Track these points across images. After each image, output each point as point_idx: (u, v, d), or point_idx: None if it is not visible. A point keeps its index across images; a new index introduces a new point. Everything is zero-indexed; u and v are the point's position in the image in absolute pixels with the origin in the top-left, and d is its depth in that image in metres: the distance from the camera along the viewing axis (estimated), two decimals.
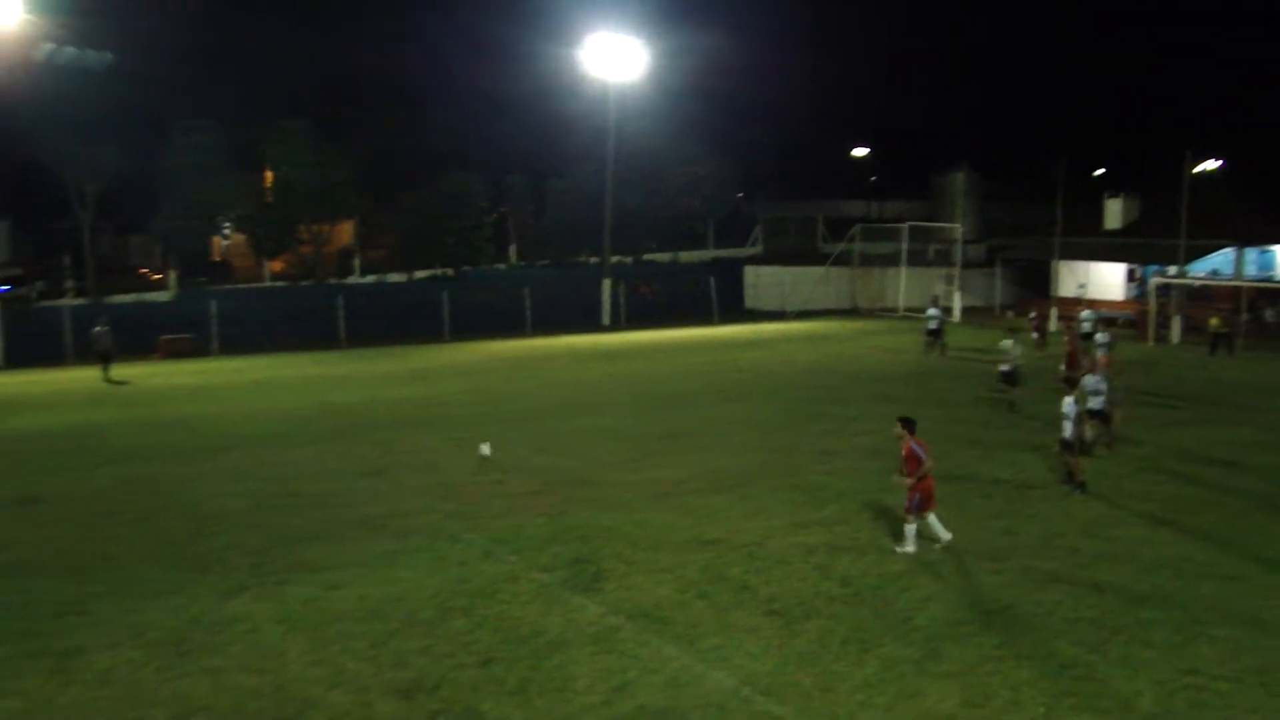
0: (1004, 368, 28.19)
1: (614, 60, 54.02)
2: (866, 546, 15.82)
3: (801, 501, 18.45)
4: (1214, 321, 41.20)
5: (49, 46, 48.59)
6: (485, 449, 22.17)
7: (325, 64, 75.51)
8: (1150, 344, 42.89)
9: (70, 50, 50.75)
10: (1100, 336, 32.30)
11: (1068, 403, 19.10)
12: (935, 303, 40.36)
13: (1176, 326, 44.90)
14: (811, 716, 10.59)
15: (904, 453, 15.68)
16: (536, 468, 21.24)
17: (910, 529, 15.64)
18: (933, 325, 38.98)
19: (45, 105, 49.92)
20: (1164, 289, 47.54)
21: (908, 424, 15.81)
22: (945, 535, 15.76)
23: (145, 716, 10.73)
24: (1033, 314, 42.79)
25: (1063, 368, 27.18)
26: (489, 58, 73.38)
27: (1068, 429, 18.97)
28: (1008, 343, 28.36)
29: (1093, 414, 20.94)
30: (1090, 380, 21.31)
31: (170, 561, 15.45)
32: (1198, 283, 48.62)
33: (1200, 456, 22.15)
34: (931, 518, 15.76)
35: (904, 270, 58.87)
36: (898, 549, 15.65)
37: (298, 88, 69.82)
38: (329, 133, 58.23)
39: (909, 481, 15.50)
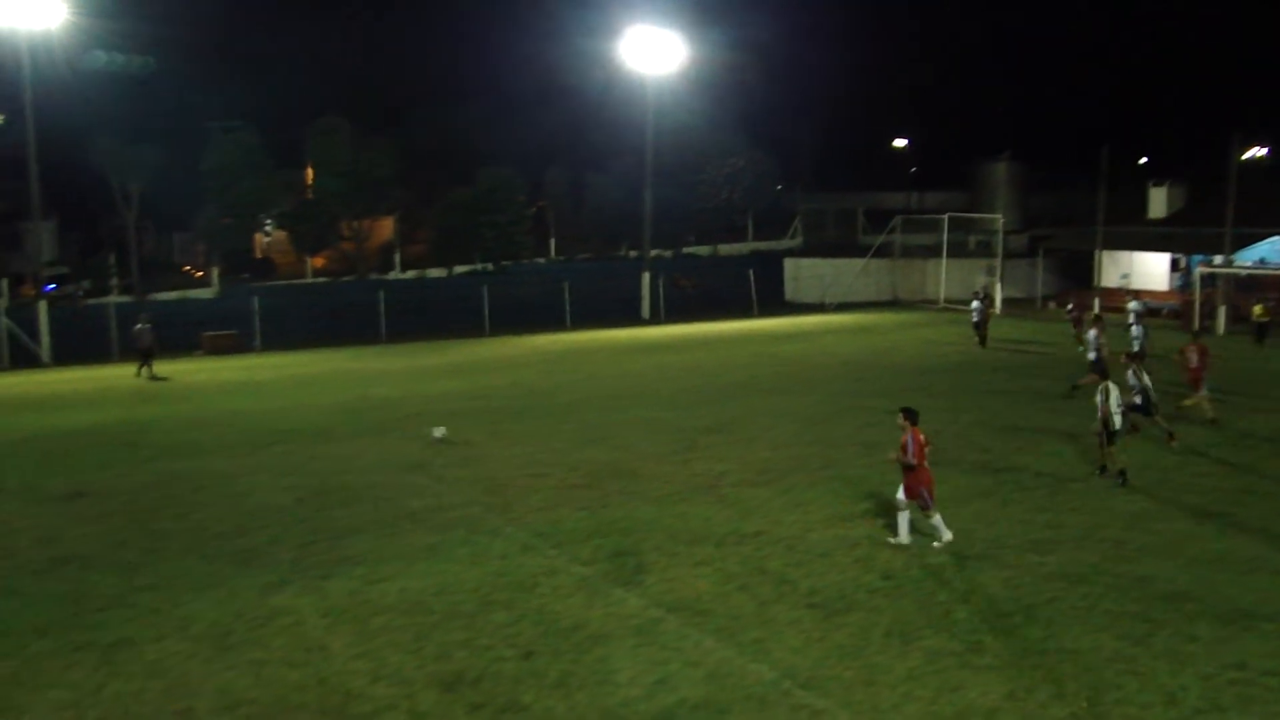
0: (1091, 356, 28.42)
1: (653, 53, 54.02)
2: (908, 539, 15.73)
3: (843, 494, 18.38)
4: (1257, 310, 40.83)
5: (93, 51, 49.29)
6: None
7: (365, 60, 76.14)
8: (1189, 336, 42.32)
9: (114, 55, 51.46)
10: (1135, 330, 31.59)
11: (1115, 396, 19.15)
12: (976, 295, 40.15)
13: (1222, 317, 44.32)
14: (853, 710, 10.56)
15: (902, 443, 15.50)
16: (577, 461, 21.28)
17: (903, 518, 15.57)
18: (975, 318, 39.01)
19: (90, 107, 50.50)
20: (1209, 278, 46.95)
21: (909, 415, 15.61)
22: (905, 539, 15.57)
23: (190, 708, 10.85)
24: (1069, 305, 42.40)
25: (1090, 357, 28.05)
26: (528, 52, 73.52)
27: (1117, 421, 19.09)
28: (1093, 332, 29.03)
29: (1133, 408, 20.87)
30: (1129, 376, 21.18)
31: (215, 555, 15.61)
32: (1244, 272, 47.94)
33: (1247, 449, 21.89)
34: (934, 517, 15.58)
35: (945, 262, 58.50)
36: (891, 540, 15.65)
37: (338, 85, 70.33)
38: (369, 129, 58.48)
39: (903, 458, 15.32)
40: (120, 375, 37.40)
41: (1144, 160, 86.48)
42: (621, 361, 36.86)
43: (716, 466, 20.61)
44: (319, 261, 62.55)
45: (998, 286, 54.93)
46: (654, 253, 60.84)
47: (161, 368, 37.21)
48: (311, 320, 48.57)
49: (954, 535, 15.53)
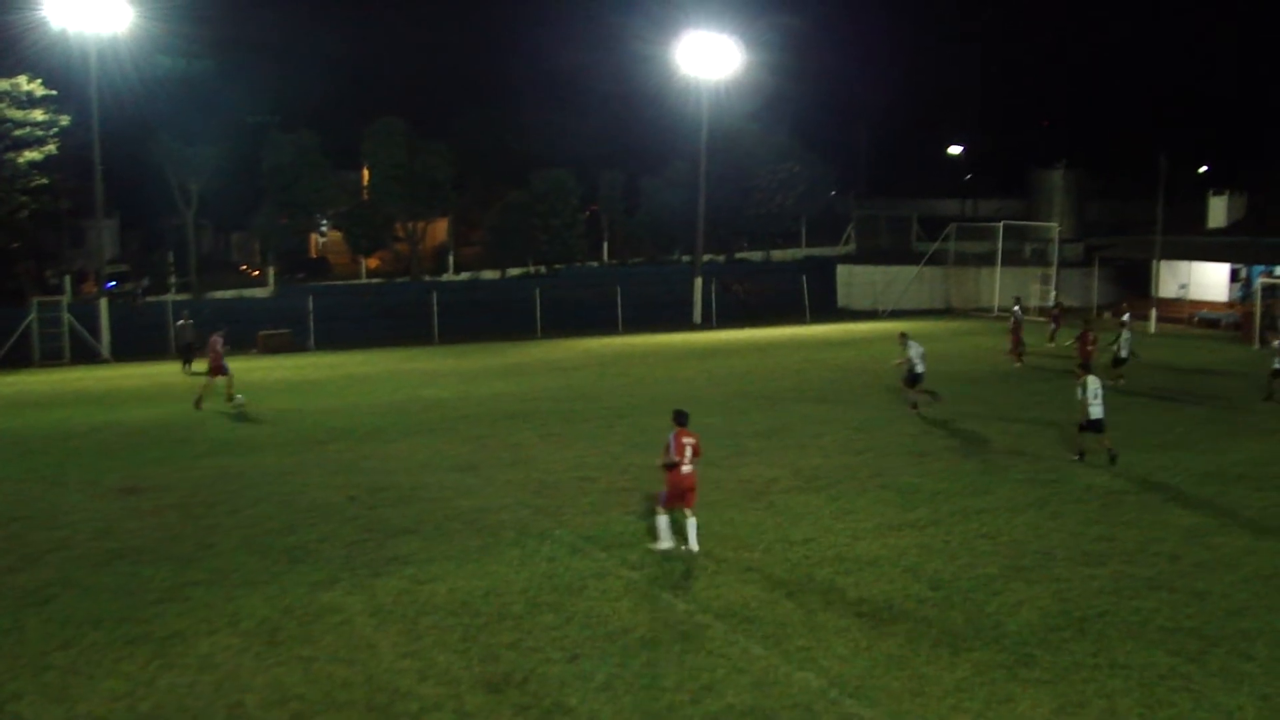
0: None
1: (708, 58, 54.05)
2: (958, 549, 15.62)
3: (892, 502, 18.28)
4: None
5: (157, 55, 50.05)
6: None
7: (422, 62, 76.65)
8: (1255, 347, 41.74)
9: (177, 59, 52.25)
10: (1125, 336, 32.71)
11: (1092, 388, 20.96)
12: (1017, 302, 40.04)
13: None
14: None
15: (665, 444, 15.70)
16: (627, 465, 21.30)
17: (662, 521, 15.74)
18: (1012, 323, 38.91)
19: (152, 108, 51.29)
20: (1270, 289, 46.20)
21: (677, 418, 15.82)
22: (667, 544, 15.69)
23: (240, 702, 10.97)
24: (1125, 316, 42.07)
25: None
26: (583, 55, 73.56)
27: (1094, 411, 20.90)
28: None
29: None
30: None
31: (266, 551, 15.78)
32: None
33: None
34: (666, 519, 15.78)
35: (999, 270, 58.01)
36: (651, 546, 15.79)
37: (394, 87, 70.91)
38: (425, 131, 58.94)
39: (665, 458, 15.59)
40: (177, 371, 37.85)
41: (1204, 169, 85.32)
42: (672, 366, 36.86)
43: (766, 473, 20.55)
44: (373, 262, 63.13)
45: (1053, 296, 54.39)
46: (706, 257, 60.88)
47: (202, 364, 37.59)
48: (365, 320, 49.07)
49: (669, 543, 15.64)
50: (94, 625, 12.93)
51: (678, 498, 15.65)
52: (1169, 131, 76.71)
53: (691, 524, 15.75)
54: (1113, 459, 21.14)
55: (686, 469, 15.48)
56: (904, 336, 28.51)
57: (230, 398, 29.66)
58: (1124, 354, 31.95)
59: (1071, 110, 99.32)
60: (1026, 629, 12.64)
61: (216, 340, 30.30)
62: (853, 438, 23.91)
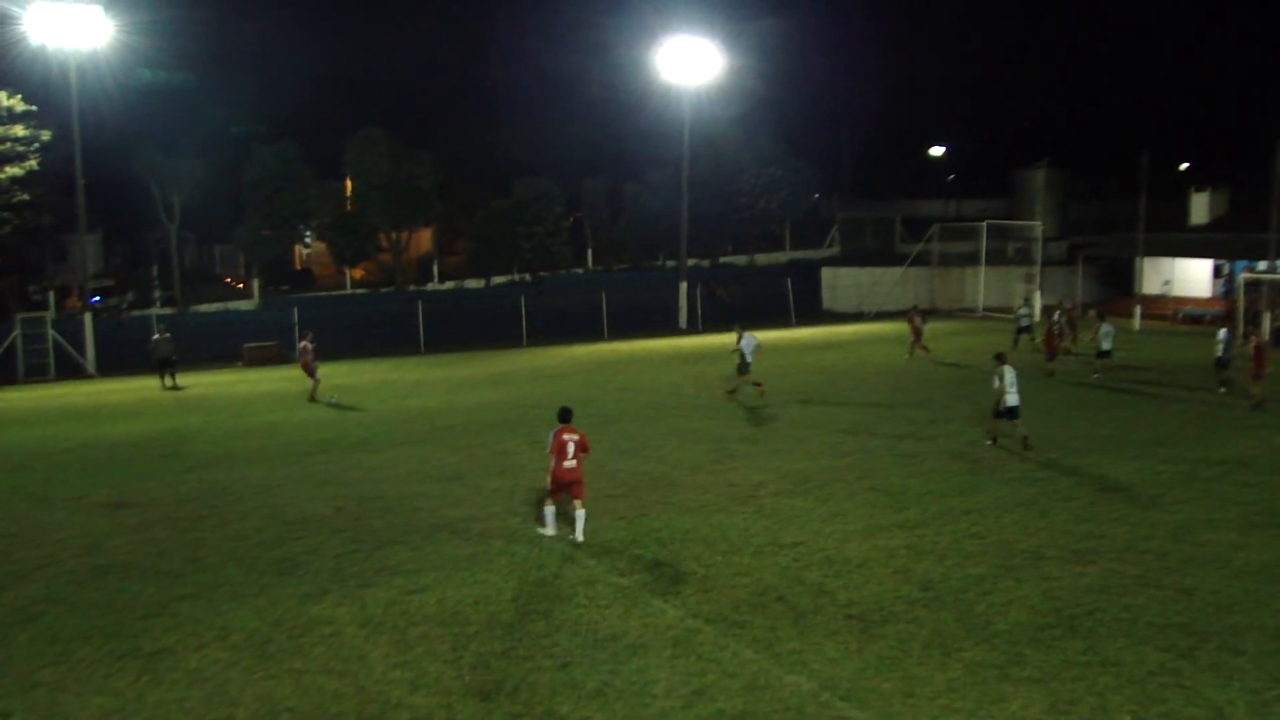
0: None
1: (690, 63, 54.07)
2: (947, 550, 15.63)
3: (881, 504, 18.29)
4: None
5: (138, 68, 49.97)
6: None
7: (403, 73, 76.63)
8: (1239, 341, 41.89)
9: (158, 72, 52.17)
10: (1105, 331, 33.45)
11: (1009, 377, 22.46)
12: (1026, 302, 40.53)
13: (1267, 323, 43.80)
14: None
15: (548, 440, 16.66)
16: (615, 471, 21.26)
17: (548, 511, 16.78)
18: (1023, 323, 40.12)
19: (133, 122, 51.19)
20: (1253, 285, 46.39)
21: (561, 415, 16.76)
22: (551, 530, 16.78)
23: (230, 716, 10.92)
24: (1069, 304, 42.40)
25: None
26: (566, 63, 73.66)
27: (1012, 398, 22.28)
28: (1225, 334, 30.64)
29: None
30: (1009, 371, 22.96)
31: (254, 565, 15.72)
32: None
33: None
34: (551, 509, 16.80)
35: (983, 270, 58.16)
36: (538, 530, 16.92)
37: (377, 97, 70.89)
38: (408, 140, 58.93)
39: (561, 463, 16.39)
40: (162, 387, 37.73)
41: (1185, 166, 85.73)
42: (658, 372, 36.85)
43: (754, 477, 20.56)
44: (358, 273, 63.06)
45: (1037, 295, 54.54)
46: (691, 262, 60.90)
47: (203, 379, 37.58)
48: (350, 331, 48.93)
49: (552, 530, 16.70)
50: (82, 641, 12.87)
51: (563, 489, 16.55)
52: (1150, 129, 77.16)
53: (580, 515, 16.57)
54: (1026, 445, 22.28)
55: (569, 464, 16.35)
56: (740, 327, 30.50)
57: (313, 398, 32.06)
58: (1106, 346, 33.07)
59: (1053, 110, 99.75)
60: (1017, 628, 12.66)
61: (305, 346, 32.72)
62: (840, 440, 23.93)
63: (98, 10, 42.71)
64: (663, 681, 11.43)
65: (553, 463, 16.37)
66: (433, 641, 12.64)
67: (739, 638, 12.54)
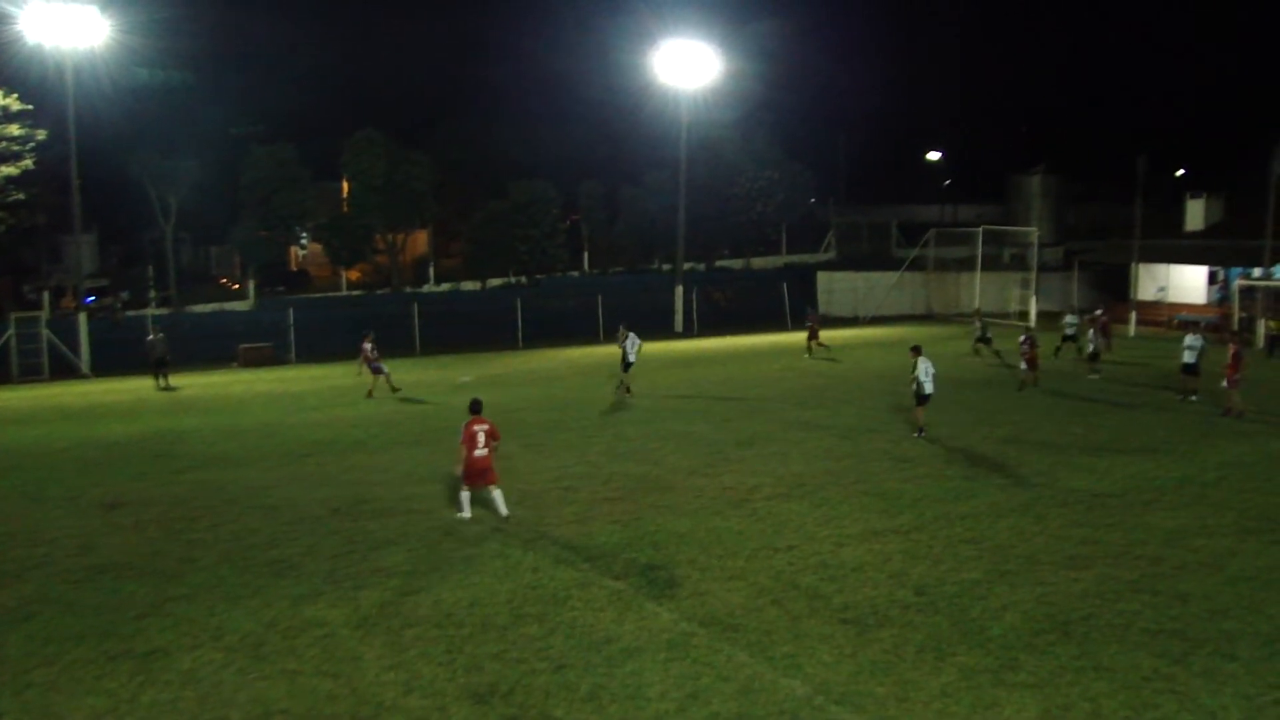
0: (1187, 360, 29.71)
1: (686, 66, 54.09)
2: (942, 554, 15.64)
3: (876, 508, 18.30)
4: (1272, 324, 42.40)
5: (134, 68, 49.89)
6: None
7: (400, 74, 76.62)
8: (1259, 351, 41.94)
9: (154, 72, 52.11)
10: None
11: (922, 367, 24.79)
12: (1073, 310, 42.34)
13: (1262, 330, 43.87)
14: None
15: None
16: (610, 474, 21.27)
17: (463, 496, 18.05)
18: (1069, 331, 40.40)
19: (129, 122, 51.11)
20: (1248, 291, 46.47)
21: (471, 407, 18.27)
22: (467, 514, 17.97)
23: (224, 717, 10.90)
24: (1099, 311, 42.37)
25: (1022, 366, 31.61)
26: (562, 66, 73.74)
27: (928, 386, 24.71)
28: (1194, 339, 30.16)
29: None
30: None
31: (248, 566, 15.70)
32: None
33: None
34: (475, 493, 18.09)
35: (979, 275, 58.23)
36: (455, 515, 18.01)
37: (373, 98, 70.87)
38: (405, 142, 58.92)
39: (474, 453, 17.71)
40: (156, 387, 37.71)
41: (1181, 172, 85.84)
42: (654, 375, 36.83)
43: (749, 480, 20.56)
44: (354, 274, 63.05)
45: (1032, 300, 54.61)
46: (687, 266, 60.93)
47: (198, 379, 37.55)
48: (346, 333, 48.79)
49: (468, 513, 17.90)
50: (75, 642, 12.84)
51: (477, 476, 17.82)
52: (1146, 135, 77.20)
53: (497, 494, 17.99)
54: (920, 431, 24.67)
55: (480, 452, 17.67)
56: (623, 327, 32.88)
57: (370, 394, 33.19)
58: (1094, 348, 34.59)
59: (1049, 115, 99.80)
60: (1011, 633, 12.66)
61: (365, 347, 33.78)
62: (835, 444, 23.94)
63: (94, 10, 42.65)
64: (657, 685, 11.42)
65: (464, 452, 17.61)
66: (427, 643, 12.63)
67: (733, 641, 12.54)
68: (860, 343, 46.92)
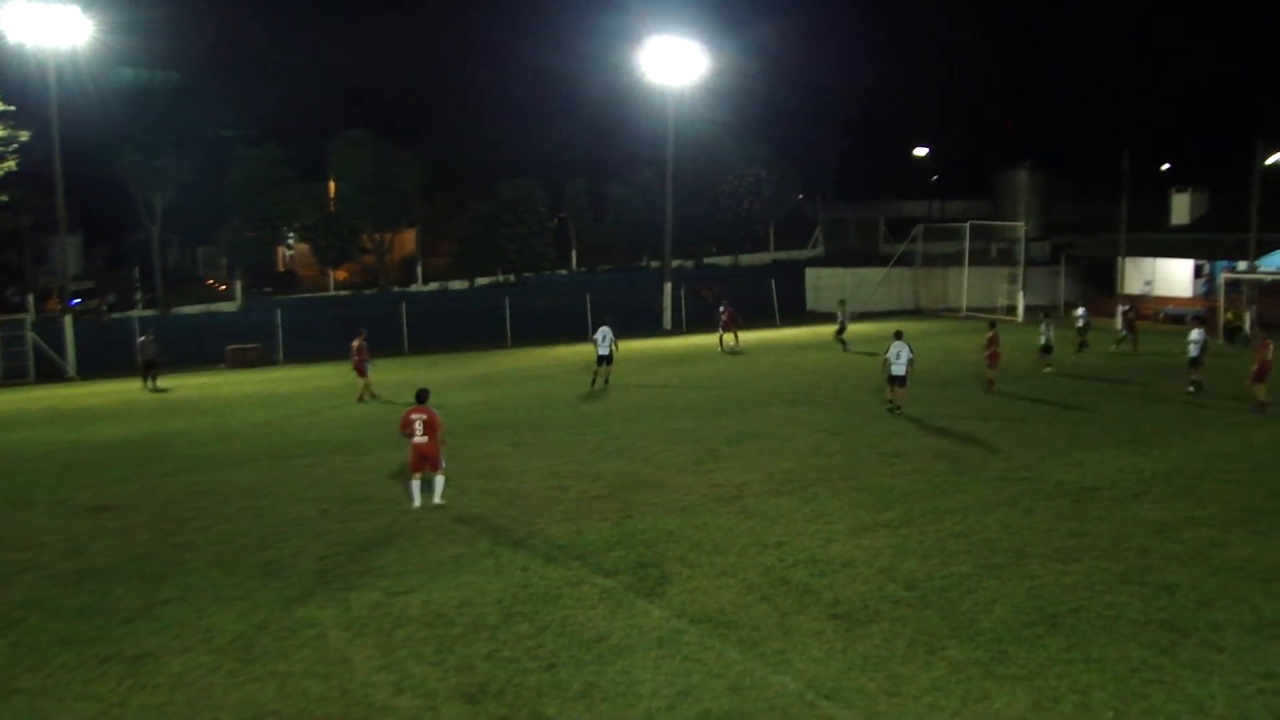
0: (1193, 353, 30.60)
1: (673, 64, 54.09)
2: (931, 549, 15.67)
3: (866, 504, 18.33)
4: (1229, 314, 43.61)
5: (119, 68, 49.74)
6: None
7: (387, 74, 76.45)
8: (1219, 341, 42.10)
9: (139, 72, 51.97)
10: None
11: (893, 350, 27.04)
12: (1084, 302, 43.08)
13: (1248, 322, 44.05)
14: None
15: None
16: (600, 472, 21.28)
17: (413, 485, 18.68)
18: (1079, 324, 40.53)
19: (115, 123, 50.97)
20: (1233, 284, 46.65)
21: (416, 395, 19.06)
22: (416, 503, 18.60)
23: None
24: (1125, 308, 42.59)
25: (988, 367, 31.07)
26: (549, 64, 73.68)
27: (901, 369, 26.85)
28: (1199, 333, 31.02)
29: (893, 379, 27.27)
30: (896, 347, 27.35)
31: (238, 568, 15.67)
32: (1269, 277, 47.62)
33: (1271, 456, 21.74)
34: (415, 483, 18.69)
35: (966, 270, 58.35)
36: (405, 507, 18.66)
37: (360, 98, 70.73)
38: (392, 142, 58.82)
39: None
40: (145, 388, 37.59)
41: (1166, 167, 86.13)
42: (643, 372, 36.83)
43: (738, 477, 20.58)
44: (341, 274, 62.93)
45: (1020, 295, 54.73)
46: (675, 263, 60.95)
47: (186, 381, 37.45)
48: (334, 333, 48.75)
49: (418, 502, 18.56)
50: (63, 646, 12.80)
51: (420, 462, 18.49)
52: (1131, 130, 77.52)
53: (438, 480, 18.69)
54: (891, 409, 26.93)
55: (419, 440, 18.31)
56: (607, 322, 33.91)
57: (361, 399, 32.28)
58: (1044, 341, 34.90)
59: (1036, 111, 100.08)
60: (1001, 626, 12.70)
61: (359, 345, 32.79)
62: (824, 440, 23.97)
63: (75, 10, 42.47)
64: (648, 682, 11.43)
65: (409, 441, 18.43)
66: (417, 644, 12.62)
67: (724, 638, 12.55)
68: (849, 339, 46.89)
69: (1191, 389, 29.88)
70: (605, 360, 33.38)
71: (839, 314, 44.24)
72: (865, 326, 52.47)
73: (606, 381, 33.51)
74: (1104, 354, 38.83)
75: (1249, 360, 29.32)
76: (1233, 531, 16.37)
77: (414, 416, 18.43)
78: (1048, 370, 34.04)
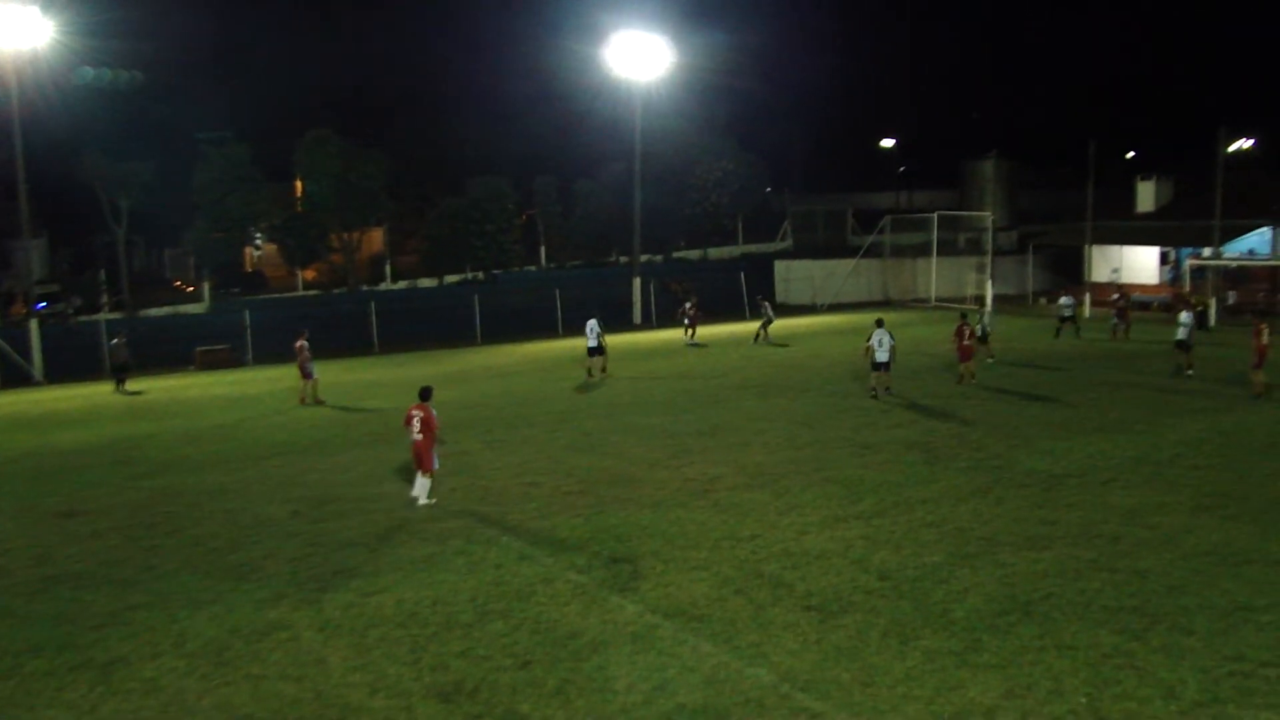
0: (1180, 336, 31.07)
1: (639, 59, 54.07)
2: (904, 539, 15.74)
3: (837, 496, 18.38)
4: (1195, 299, 43.02)
5: (80, 67, 49.25)
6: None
7: (352, 72, 76.07)
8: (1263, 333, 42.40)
9: (102, 71, 51.47)
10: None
11: (875, 338, 27.92)
12: (1066, 293, 43.40)
13: (1213, 308, 44.46)
14: (852, 711, 10.53)
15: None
16: (571, 468, 21.26)
17: (419, 482, 18.89)
18: (1067, 313, 41.24)
19: (78, 123, 50.48)
20: (1199, 271, 47.06)
21: (419, 393, 19.42)
22: (417, 495, 18.76)
23: None
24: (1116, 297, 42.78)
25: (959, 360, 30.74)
26: (515, 60, 73.63)
27: (884, 355, 27.82)
28: (1187, 316, 31.48)
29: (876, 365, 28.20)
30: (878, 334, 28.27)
31: (210, 571, 15.56)
32: (1234, 263, 48.08)
33: (1239, 441, 21.93)
34: (419, 479, 18.86)
35: (935, 260, 58.60)
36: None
37: (326, 96, 70.31)
38: (358, 141, 58.54)
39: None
40: (112, 393, 37.29)
41: (1131, 155, 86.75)
42: (614, 367, 36.83)
43: (710, 471, 20.60)
44: (310, 274, 62.61)
45: (988, 284, 55.02)
46: (644, 258, 60.94)
47: (154, 383, 37.18)
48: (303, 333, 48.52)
49: (436, 500, 18.73)
50: (33, 654, 12.68)
51: (414, 459, 18.74)
52: (1096, 119, 77.99)
53: (420, 481, 18.77)
54: (874, 395, 27.87)
55: (415, 436, 18.47)
56: (597, 319, 35.02)
57: (304, 402, 31.84)
58: (981, 331, 34.66)
59: (1001, 101, 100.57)
60: (974, 615, 12.76)
61: (302, 345, 32.40)
62: (796, 432, 24.03)
63: (35, 10, 41.98)
64: (623, 678, 11.43)
65: (410, 436, 18.61)
66: (391, 643, 12.57)
67: (698, 632, 12.56)
68: (819, 331, 47.11)
69: (1190, 372, 30.05)
70: (595, 352, 34.66)
71: (763, 310, 45.04)
72: (836, 318, 52.69)
73: (603, 371, 34.52)
74: (1094, 340, 39.02)
75: (1219, 346, 29.57)
76: (1202, 517, 16.50)
77: (413, 413, 18.69)
78: (989, 360, 33.73)
